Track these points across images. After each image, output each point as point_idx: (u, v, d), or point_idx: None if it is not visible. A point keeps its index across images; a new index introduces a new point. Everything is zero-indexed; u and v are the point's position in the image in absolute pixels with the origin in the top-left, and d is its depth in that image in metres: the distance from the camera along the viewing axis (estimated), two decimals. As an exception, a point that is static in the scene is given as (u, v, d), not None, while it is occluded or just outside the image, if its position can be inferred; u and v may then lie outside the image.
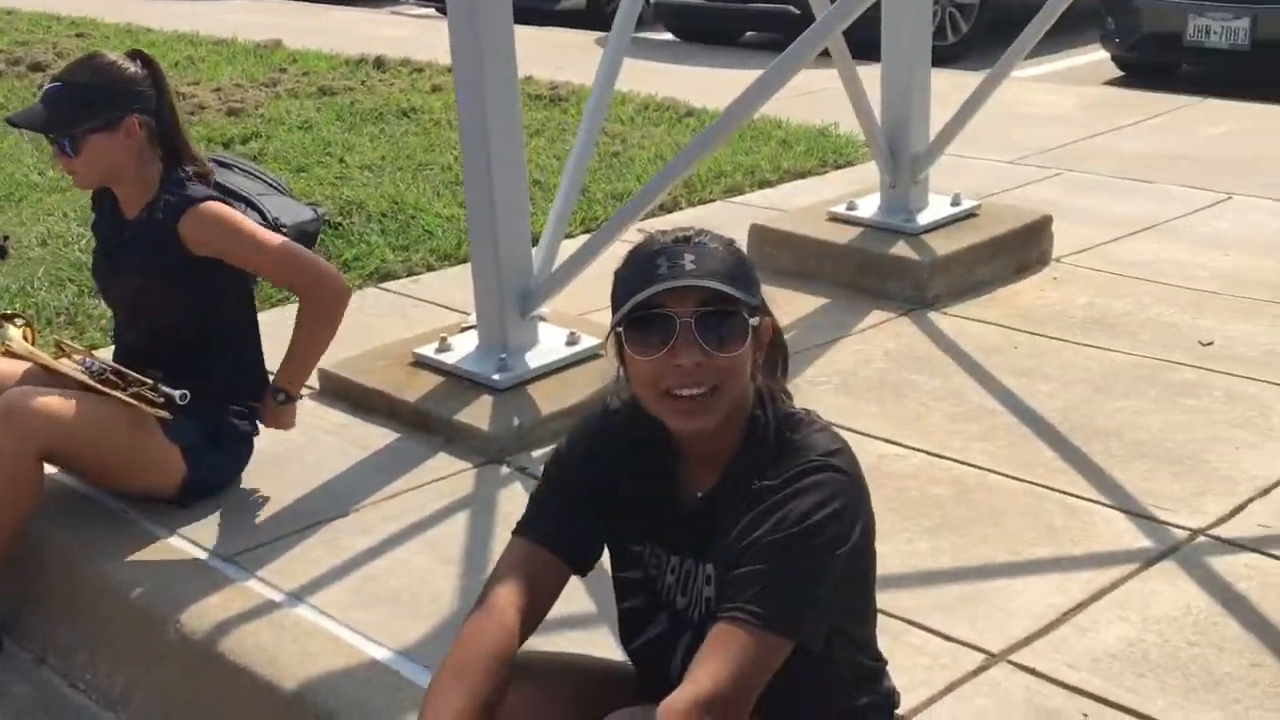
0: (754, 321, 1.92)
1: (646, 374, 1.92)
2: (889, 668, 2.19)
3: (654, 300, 1.88)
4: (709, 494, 2.00)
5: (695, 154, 3.96)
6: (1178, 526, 3.18)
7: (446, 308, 4.73)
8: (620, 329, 1.93)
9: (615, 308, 1.95)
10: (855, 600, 2.02)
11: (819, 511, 1.87)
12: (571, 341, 3.98)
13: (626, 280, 1.94)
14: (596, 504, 2.07)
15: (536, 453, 3.66)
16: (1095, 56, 8.82)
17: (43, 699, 3.12)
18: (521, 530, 2.09)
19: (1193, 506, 3.26)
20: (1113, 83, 8.34)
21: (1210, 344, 4.17)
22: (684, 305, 1.87)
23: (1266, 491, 3.31)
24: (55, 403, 3.13)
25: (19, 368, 3.42)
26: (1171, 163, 6.08)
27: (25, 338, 3.55)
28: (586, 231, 5.38)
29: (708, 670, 1.81)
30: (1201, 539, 3.12)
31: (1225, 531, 3.15)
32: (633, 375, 1.95)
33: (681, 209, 5.73)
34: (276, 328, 3.59)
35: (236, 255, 3.32)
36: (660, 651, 2.06)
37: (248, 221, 3.34)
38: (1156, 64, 8.48)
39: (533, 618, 2.03)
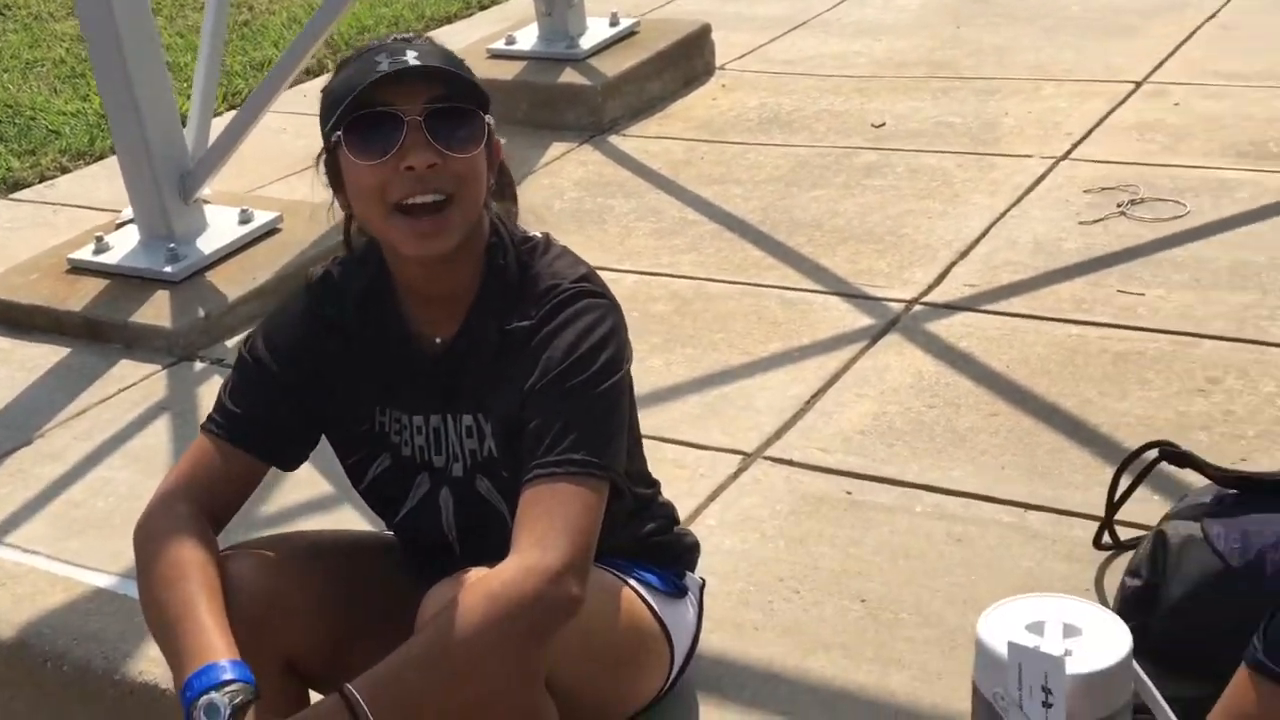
0: (490, 119, 1.71)
1: (371, 184, 1.66)
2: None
3: (377, 96, 1.64)
4: (454, 338, 1.80)
5: (336, 9, 3.66)
6: (892, 300, 3.22)
7: (93, 208, 4.30)
8: (339, 135, 1.67)
9: (326, 120, 1.70)
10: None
11: (587, 340, 1.71)
12: (245, 219, 3.68)
13: (340, 85, 1.69)
14: (303, 396, 1.83)
15: (230, 341, 3.39)
16: None
17: None
18: (210, 426, 1.83)
19: (902, 279, 3.31)
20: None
21: (883, 125, 4.24)
22: (413, 101, 1.64)
23: (965, 254, 3.40)
24: None
25: None
26: (808, -40, 6.12)
27: None
28: (231, 108, 4.99)
29: (536, 537, 1.59)
30: (917, 308, 3.18)
31: (936, 297, 3.21)
32: (355, 190, 1.70)
33: (329, 70, 5.39)
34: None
35: None
36: (426, 515, 1.87)
37: None
38: None
39: (217, 517, 1.80)
